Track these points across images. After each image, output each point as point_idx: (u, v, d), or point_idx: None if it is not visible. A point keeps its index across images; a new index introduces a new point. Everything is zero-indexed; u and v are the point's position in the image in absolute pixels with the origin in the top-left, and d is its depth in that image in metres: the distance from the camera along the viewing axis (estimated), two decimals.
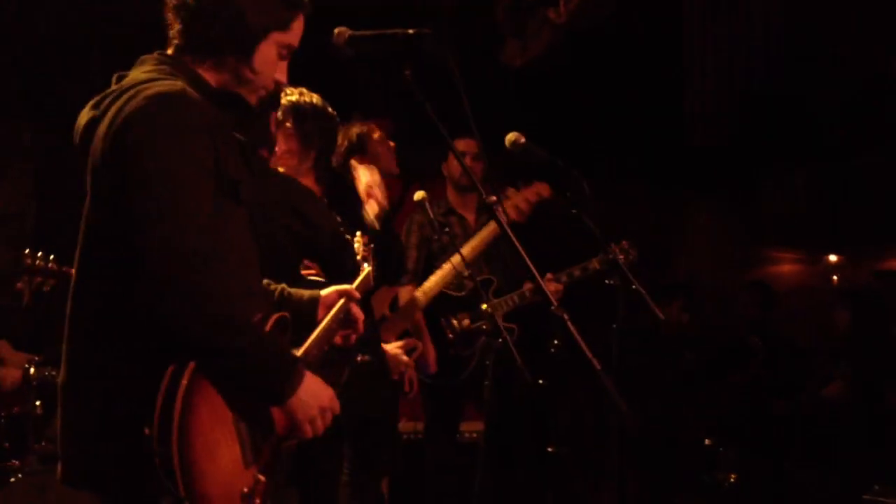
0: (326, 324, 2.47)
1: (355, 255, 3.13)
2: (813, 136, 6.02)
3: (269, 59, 2.17)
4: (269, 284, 2.51)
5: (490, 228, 4.47)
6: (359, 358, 3.70)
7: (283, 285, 2.55)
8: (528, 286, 4.53)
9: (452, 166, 4.86)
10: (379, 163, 4.23)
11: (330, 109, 3.62)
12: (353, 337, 2.59)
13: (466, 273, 4.12)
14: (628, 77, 6.05)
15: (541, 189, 4.56)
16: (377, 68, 5.68)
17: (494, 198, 2.75)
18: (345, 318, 2.54)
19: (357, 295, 2.59)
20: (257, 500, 2.07)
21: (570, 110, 6.16)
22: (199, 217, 1.93)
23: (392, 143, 4.38)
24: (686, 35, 6.20)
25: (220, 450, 1.97)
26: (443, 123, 2.96)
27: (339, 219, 3.48)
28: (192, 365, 1.91)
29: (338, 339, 2.55)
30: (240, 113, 2.20)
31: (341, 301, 2.54)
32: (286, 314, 2.22)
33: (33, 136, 5.64)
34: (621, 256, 4.22)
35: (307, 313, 2.50)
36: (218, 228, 2.00)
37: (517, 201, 4.55)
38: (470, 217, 4.86)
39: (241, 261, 2.16)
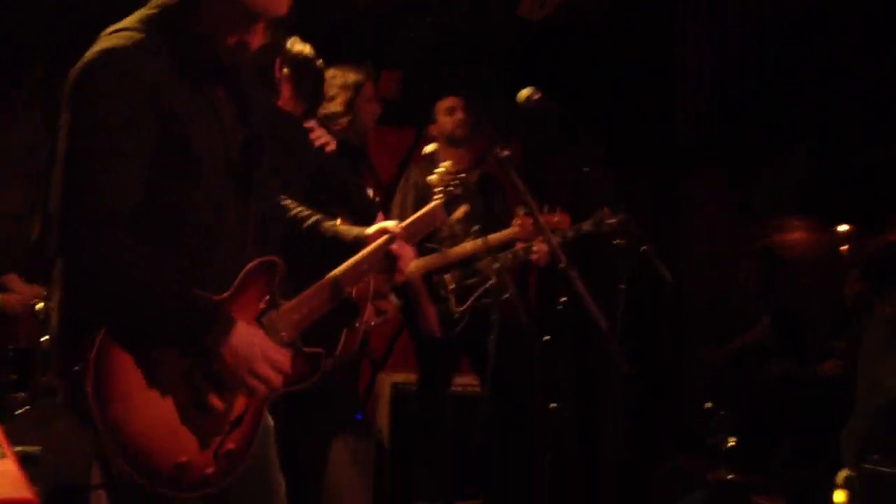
0: (356, 259, 2.32)
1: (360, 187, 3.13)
2: (822, 108, 5.97)
3: None
4: (318, 221, 2.43)
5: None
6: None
7: (318, 216, 2.45)
8: (520, 245, 4.52)
9: (442, 122, 4.82)
10: (359, 117, 4.21)
11: (320, 62, 3.58)
12: (397, 277, 2.41)
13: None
14: (625, 54, 5.99)
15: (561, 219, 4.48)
16: (391, 18, 5.63)
17: (507, 151, 2.75)
18: (385, 258, 2.35)
19: (399, 231, 2.37)
20: (230, 445, 2.07)
21: (587, 69, 6.10)
22: (112, 176, 1.93)
23: (378, 106, 4.35)
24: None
25: (155, 399, 1.98)
26: (455, 74, 2.93)
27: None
28: (102, 331, 1.93)
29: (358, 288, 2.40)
30: (216, 65, 2.12)
31: (382, 238, 2.36)
32: (272, 259, 2.15)
33: (46, 70, 5.62)
34: (613, 220, 4.21)
35: (352, 250, 2.35)
36: (166, 186, 2.00)
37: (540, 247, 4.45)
38: (464, 166, 4.84)
39: (205, 214, 2.08)
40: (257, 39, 2.15)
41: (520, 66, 5.41)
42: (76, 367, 1.94)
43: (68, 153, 1.95)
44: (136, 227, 1.97)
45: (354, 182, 3.52)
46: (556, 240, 4.36)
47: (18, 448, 3.08)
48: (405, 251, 2.35)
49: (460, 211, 2.63)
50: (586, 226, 4.37)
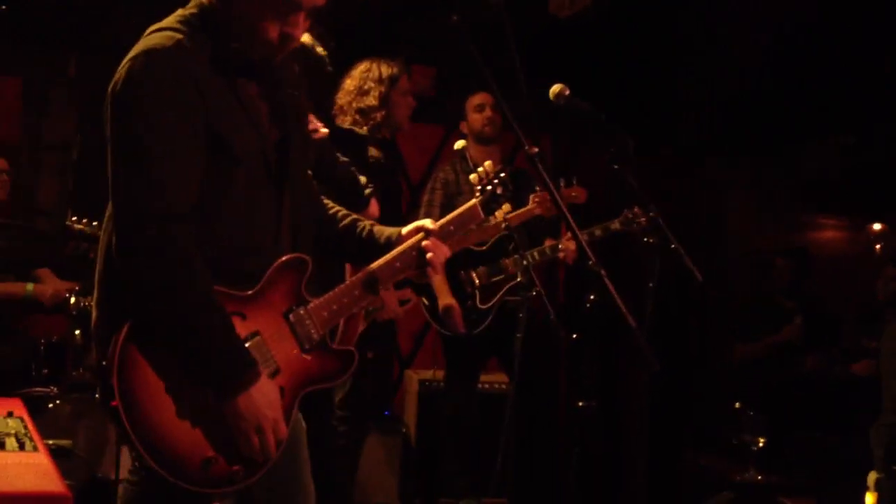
0: (390, 257, 2.31)
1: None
2: (857, 101, 5.89)
3: None
4: (355, 221, 2.43)
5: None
6: (369, 355, 3.71)
7: (372, 222, 2.45)
8: (548, 243, 4.51)
9: (472, 119, 4.81)
10: (394, 112, 4.20)
11: (319, 49, 3.54)
12: (429, 273, 2.36)
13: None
14: (666, 38, 5.94)
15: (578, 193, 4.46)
16: (424, 13, 5.62)
17: (536, 149, 2.73)
18: (418, 256, 2.34)
19: (431, 228, 2.36)
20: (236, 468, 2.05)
21: (617, 64, 6.06)
22: (172, 179, 1.95)
23: (413, 102, 4.34)
24: None
25: (183, 397, 1.99)
26: (488, 71, 2.93)
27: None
28: (127, 325, 1.96)
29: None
30: (250, 64, 2.12)
31: (416, 237, 2.35)
32: (301, 256, 2.17)
33: (79, 67, 5.67)
34: (642, 219, 4.19)
35: (386, 250, 2.35)
36: (211, 185, 2.01)
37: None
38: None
39: (244, 213, 2.09)
40: (300, 31, 2.13)
41: (549, 59, 5.39)
42: (103, 363, 1.96)
43: (125, 154, 1.96)
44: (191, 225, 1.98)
45: (341, 162, 3.50)
46: (584, 237, 4.37)
47: (50, 441, 3.12)
48: (438, 249, 2.33)
49: (502, 211, 2.56)
50: (615, 224, 4.35)
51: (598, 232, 4.36)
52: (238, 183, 2.07)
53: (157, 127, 1.95)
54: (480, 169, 2.52)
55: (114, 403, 1.93)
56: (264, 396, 2.02)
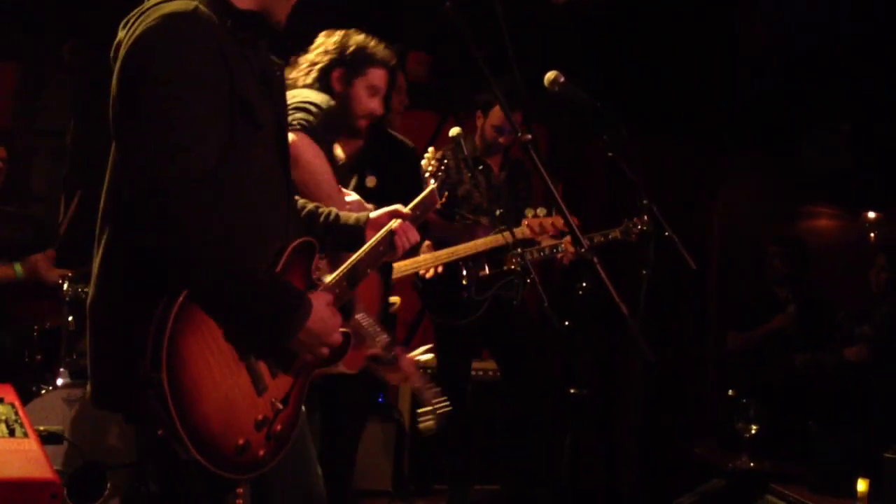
0: (370, 245, 2.39)
1: None
2: (857, 91, 5.89)
3: None
4: (317, 208, 2.48)
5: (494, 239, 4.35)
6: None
7: (333, 208, 2.50)
8: (547, 244, 4.51)
9: (488, 132, 4.73)
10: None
11: None
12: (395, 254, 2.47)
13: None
14: (677, 21, 5.93)
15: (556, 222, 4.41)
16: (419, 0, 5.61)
17: (529, 136, 2.72)
18: (390, 240, 2.44)
19: (405, 212, 2.48)
20: (278, 427, 2.08)
21: (614, 53, 6.05)
22: (194, 142, 1.90)
23: (405, 97, 4.31)
24: None
25: (221, 378, 1.95)
26: (483, 59, 2.91)
27: None
28: (183, 294, 1.88)
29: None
30: (263, 34, 2.15)
31: (394, 221, 2.46)
32: (310, 239, 2.18)
33: (72, 51, 5.65)
34: (642, 228, 4.21)
35: (353, 235, 2.43)
36: (233, 153, 1.97)
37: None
38: (495, 169, 4.82)
39: (259, 186, 2.09)
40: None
41: (557, 45, 5.37)
42: (147, 364, 1.89)
43: (154, 120, 1.89)
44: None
45: None
46: (576, 222, 4.36)
47: (41, 428, 3.11)
48: (410, 233, 2.46)
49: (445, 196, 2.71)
50: (614, 233, 4.38)
51: (597, 238, 4.38)
52: (259, 153, 2.07)
53: (182, 86, 1.90)
54: (427, 155, 2.68)
55: (157, 395, 1.87)
56: (321, 318, 2.05)
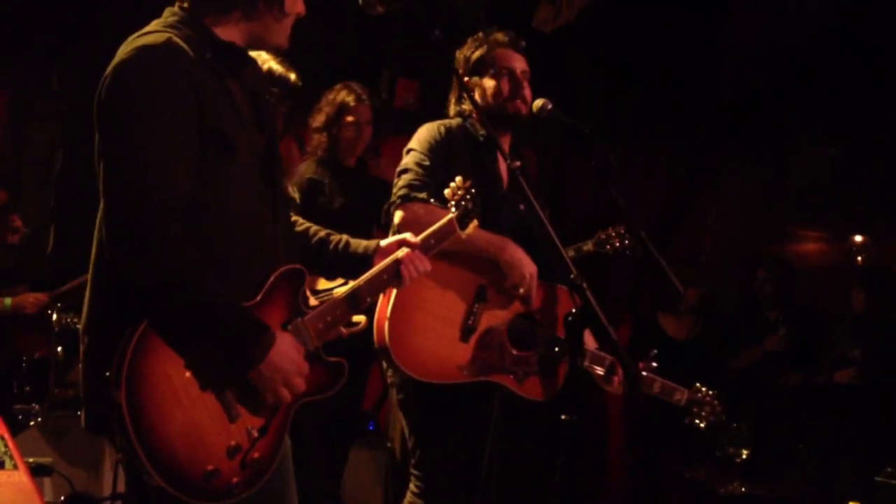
0: (373, 273, 2.35)
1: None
2: (844, 110, 5.94)
3: None
4: (328, 235, 2.46)
5: None
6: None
7: (345, 235, 2.48)
8: None
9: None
10: (340, 137, 4.23)
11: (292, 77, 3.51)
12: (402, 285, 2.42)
13: None
14: (660, 43, 5.98)
15: None
16: (408, 28, 5.65)
17: (519, 163, 2.74)
18: (396, 269, 2.39)
19: (413, 242, 2.43)
20: (255, 455, 2.05)
21: (600, 77, 6.10)
22: (166, 168, 1.93)
23: (368, 131, 4.34)
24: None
25: (188, 403, 1.96)
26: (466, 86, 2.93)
27: None
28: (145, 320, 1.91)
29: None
30: (241, 65, 2.16)
31: (401, 250, 2.40)
32: (298, 266, 2.17)
33: (60, 80, 5.66)
34: (616, 242, 4.20)
35: (362, 263, 2.39)
36: (209, 181, 2.00)
37: None
38: None
39: (241, 211, 2.09)
40: (285, 38, 2.20)
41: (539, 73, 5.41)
42: (106, 375, 1.91)
43: (119, 148, 1.94)
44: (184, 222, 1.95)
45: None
46: (570, 253, 4.37)
47: (31, 459, 3.09)
48: (419, 262, 2.40)
49: (472, 226, 2.61)
50: (587, 246, 4.31)
51: (570, 253, 4.34)
52: (238, 181, 2.07)
53: (153, 119, 1.94)
54: (452, 184, 2.57)
55: (116, 416, 1.88)
56: (283, 354, 2.04)
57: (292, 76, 3.37)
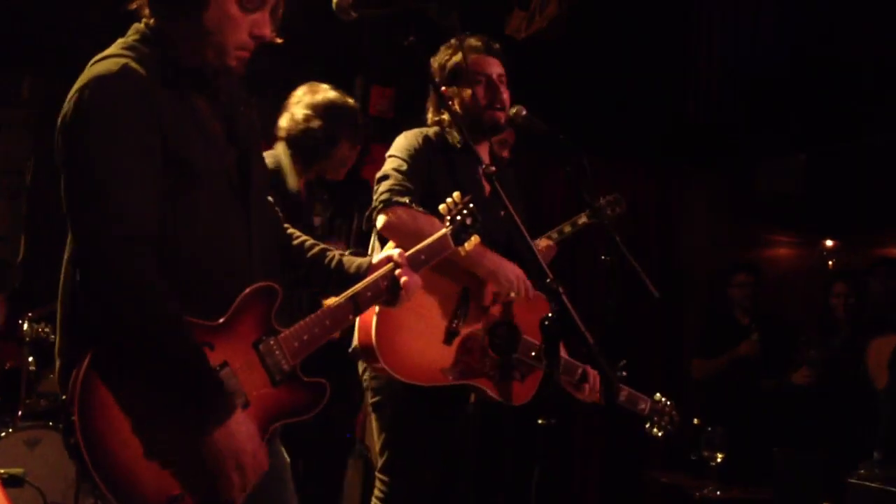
0: (360, 287, 2.28)
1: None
2: (812, 119, 6.00)
3: (223, 15, 2.04)
4: (323, 251, 2.40)
5: None
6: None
7: (339, 251, 2.42)
8: None
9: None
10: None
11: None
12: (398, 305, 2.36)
13: None
14: (630, 53, 6.03)
15: None
16: (382, 35, 5.65)
17: (494, 168, 2.75)
18: (390, 285, 2.32)
19: (400, 260, 2.34)
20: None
21: (572, 84, 6.13)
22: (125, 199, 1.90)
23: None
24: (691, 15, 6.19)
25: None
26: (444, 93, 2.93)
27: None
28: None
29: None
30: (203, 88, 2.10)
31: (386, 266, 2.33)
32: (272, 284, 2.11)
33: (32, 88, 5.61)
34: (609, 210, 4.17)
35: (354, 281, 2.31)
36: (174, 205, 1.97)
37: None
38: None
39: (211, 233, 2.05)
40: (247, 53, 2.12)
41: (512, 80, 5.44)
42: (63, 397, 1.89)
43: (80, 180, 1.92)
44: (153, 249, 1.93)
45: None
46: (547, 254, 4.36)
47: (2, 470, 3.06)
48: (411, 279, 2.33)
49: (472, 241, 2.55)
50: (582, 219, 4.21)
51: (566, 228, 4.18)
52: (203, 203, 2.03)
53: (111, 150, 1.91)
54: (449, 199, 2.51)
55: (72, 441, 1.85)
56: (243, 428, 1.95)
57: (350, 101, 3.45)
